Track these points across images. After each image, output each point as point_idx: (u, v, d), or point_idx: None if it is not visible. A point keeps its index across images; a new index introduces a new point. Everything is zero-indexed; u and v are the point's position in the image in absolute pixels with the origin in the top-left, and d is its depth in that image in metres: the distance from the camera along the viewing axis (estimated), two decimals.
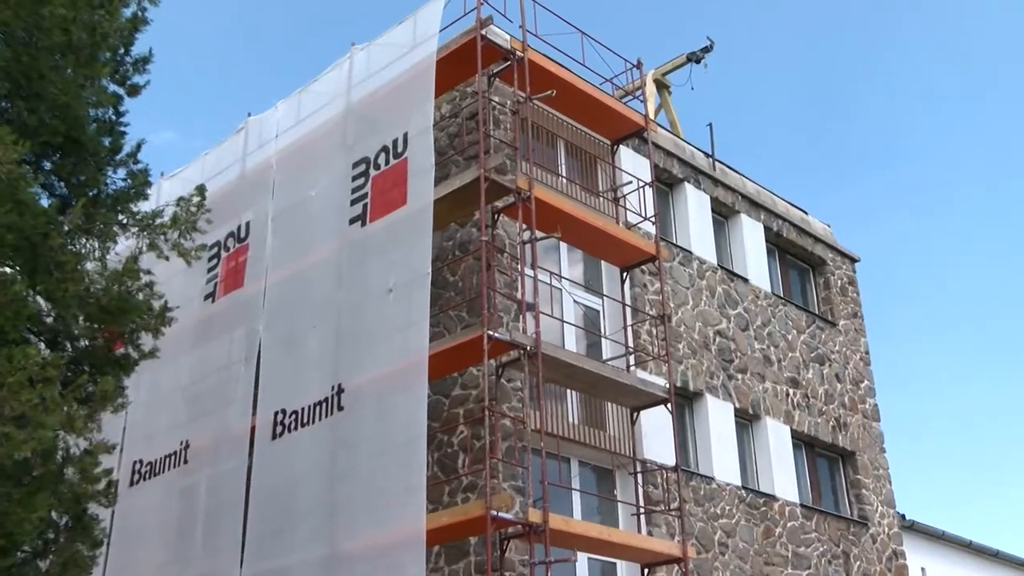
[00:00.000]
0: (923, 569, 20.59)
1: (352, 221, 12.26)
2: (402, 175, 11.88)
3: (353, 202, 12.34)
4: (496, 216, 12.92)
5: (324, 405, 11.58)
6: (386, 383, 11.13)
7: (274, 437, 11.94)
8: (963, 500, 41.52)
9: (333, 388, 11.60)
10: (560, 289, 14.13)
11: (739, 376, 16.53)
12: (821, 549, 16.72)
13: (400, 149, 12.10)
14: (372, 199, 12.11)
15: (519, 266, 12.71)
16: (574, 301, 14.28)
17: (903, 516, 19.60)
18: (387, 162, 12.16)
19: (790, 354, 17.78)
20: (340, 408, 11.44)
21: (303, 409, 11.82)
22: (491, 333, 11.51)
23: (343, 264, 12.17)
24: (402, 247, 11.56)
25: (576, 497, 13.60)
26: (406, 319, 11.22)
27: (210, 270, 13.99)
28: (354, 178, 12.40)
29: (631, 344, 14.47)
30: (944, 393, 43.38)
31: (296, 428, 11.76)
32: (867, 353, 19.68)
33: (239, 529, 11.79)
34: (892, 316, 44.02)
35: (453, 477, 12.42)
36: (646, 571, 13.13)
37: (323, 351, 11.92)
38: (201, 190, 9.54)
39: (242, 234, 13.85)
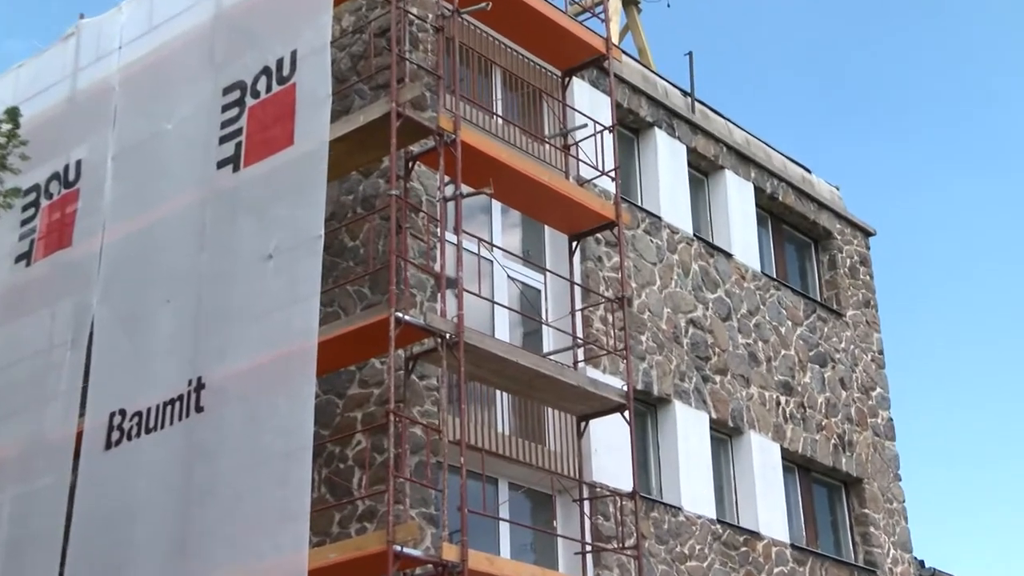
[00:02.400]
0: None
1: (221, 164, 12.20)
2: (288, 106, 11.86)
3: (222, 140, 12.27)
4: (411, 165, 12.94)
5: (178, 405, 11.55)
6: (261, 377, 11.14)
7: (108, 446, 11.88)
8: (997, 545, 42.65)
9: (190, 383, 11.58)
10: (491, 261, 14.18)
11: (717, 378, 16.80)
12: None
13: (286, 72, 12.07)
14: (248, 137, 12.07)
15: (438, 230, 12.73)
16: (508, 277, 14.36)
17: (922, 563, 20.09)
18: (269, 89, 12.12)
19: (783, 352, 18.10)
20: (199, 409, 11.42)
21: (149, 410, 11.78)
22: (400, 315, 11.56)
23: (207, 220, 12.12)
24: (287, 201, 11.55)
25: (505, 529, 13.71)
26: (290, 295, 11.22)
27: (24, 223, 13.82)
28: (224, 108, 12.33)
29: (580, 334, 14.59)
30: (982, 409, 44.50)
31: (139, 434, 11.72)
32: (881, 353, 20.07)
33: (55, 567, 11.71)
34: (916, 307, 44.95)
35: (346, 501, 12.46)
36: None
37: (178, 334, 11.88)
38: (13, 115, 9.43)
39: (71, 177, 13.69)
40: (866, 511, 18.60)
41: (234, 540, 10.68)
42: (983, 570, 42.27)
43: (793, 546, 17.01)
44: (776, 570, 16.52)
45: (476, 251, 13.04)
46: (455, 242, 12.48)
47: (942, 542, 40.46)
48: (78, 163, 13.59)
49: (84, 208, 13.29)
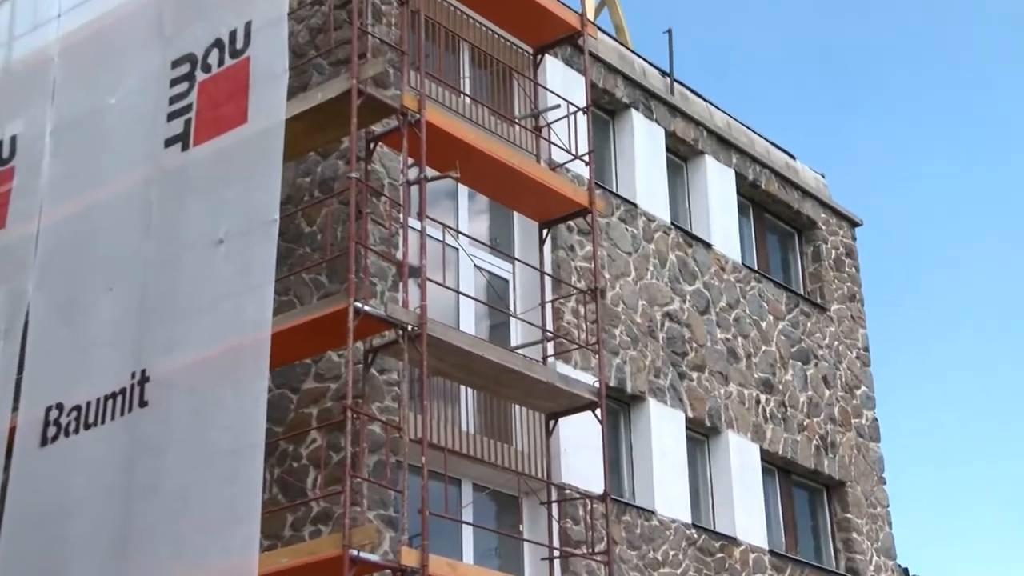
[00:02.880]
0: None
1: (169, 143, 12.10)
2: (242, 82, 11.77)
3: (171, 116, 12.16)
4: (372, 146, 12.90)
5: (120, 399, 11.47)
6: (210, 370, 11.09)
7: (44, 442, 11.79)
8: (986, 551, 42.97)
9: (134, 375, 11.50)
10: (456, 249, 14.17)
11: (694, 375, 16.82)
12: None
13: (240, 45, 11.98)
14: (199, 114, 11.97)
15: (401, 215, 12.71)
16: (475, 266, 14.34)
17: (906, 571, 20.21)
18: (221, 62, 12.03)
19: (764, 348, 18.14)
20: (143, 403, 11.35)
21: (88, 404, 11.69)
22: (360, 305, 11.52)
23: (153, 202, 12.03)
24: (239, 182, 11.48)
25: (468, 533, 13.69)
26: (242, 282, 11.16)
27: None
28: (173, 82, 12.23)
29: (550, 327, 14.59)
30: (972, 409, 44.79)
31: (77, 430, 11.63)
32: (866, 350, 20.15)
33: None
34: (903, 302, 45.20)
35: (300, 502, 12.43)
36: None
37: (121, 323, 11.79)
38: None
39: (4, 154, 13.53)
40: (848, 516, 18.68)
41: (179, 542, 10.64)
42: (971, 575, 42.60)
43: (772, 552, 17.08)
44: None
45: (441, 238, 13.02)
46: (418, 228, 12.44)
47: (928, 549, 40.78)
48: (13, 139, 13.45)
49: (19, 188, 13.14)
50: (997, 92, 46.06)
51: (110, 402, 11.47)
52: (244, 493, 10.39)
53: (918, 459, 43.64)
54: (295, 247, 13.42)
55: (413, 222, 12.77)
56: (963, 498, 43.44)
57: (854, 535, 18.65)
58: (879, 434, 19.81)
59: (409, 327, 11.88)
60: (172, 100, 12.14)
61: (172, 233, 11.78)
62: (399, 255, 12.46)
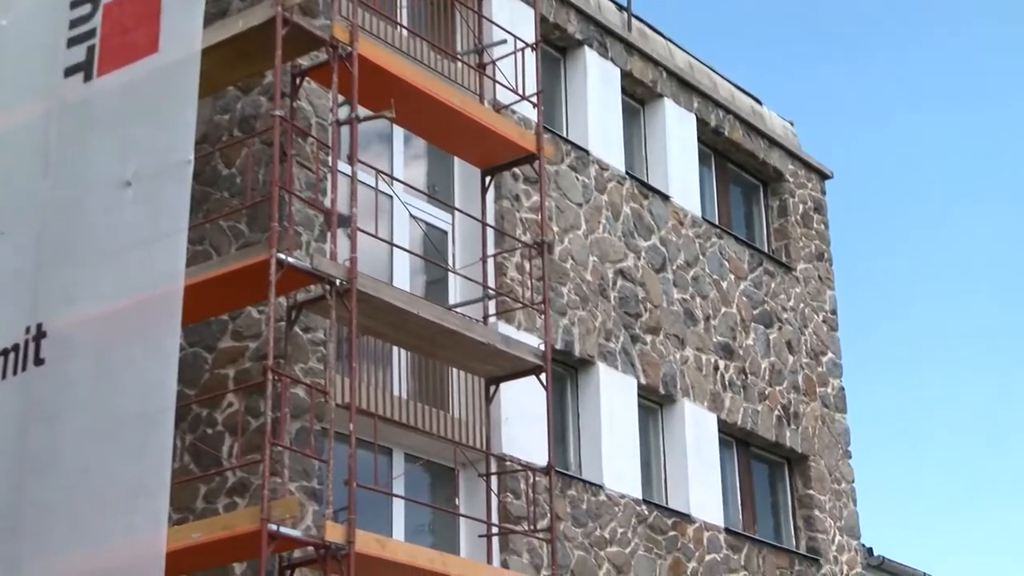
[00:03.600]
0: None
1: (69, 72, 11.87)
2: (152, 6, 11.56)
3: (71, 42, 11.93)
4: (298, 81, 12.77)
5: (12, 356, 11.30)
6: (115, 326, 10.96)
7: None
8: (955, 532, 43.64)
9: (28, 330, 11.32)
10: (391, 197, 14.10)
11: (648, 338, 16.84)
12: None
13: None
14: (103, 40, 11.75)
15: (329, 159, 12.60)
16: (410, 216, 14.29)
17: (870, 551, 20.46)
18: None
19: (724, 309, 18.19)
20: (38, 361, 11.18)
21: None
22: (283, 257, 11.45)
23: (52, 139, 11.82)
24: (149, 119, 11.32)
25: (399, 507, 13.70)
26: (152, 229, 11.02)
27: None
28: (73, 4, 11.98)
29: (492, 284, 14.56)
30: (946, 379, 45.39)
31: None
32: (834, 313, 20.28)
33: None
34: (874, 261, 45.57)
35: (214, 472, 12.40)
36: None
37: (14, 273, 11.60)
38: None
39: None
40: (811, 492, 18.85)
41: (77, 517, 10.51)
42: (938, 560, 43.30)
43: (728, 531, 17.20)
44: (708, 557, 16.68)
45: (373, 185, 12.91)
46: (349, 173, 12.37)
47: (894, 528, 41.28)
48: None
49: None
50: (975, 39, 46.38)
51: (1, 359, 11.28)
52: (152, 463, 10.29)
53: (886, 432, 44.10)
54: (211, 191, 13.30)
55: (343, 166, 12.69)
56: (934, 475, 44.03)
57: (816, 512, 18.82)
58: (846, 404, 19.97)
59: (337, 281, 11.81)
60: (73, 24, 11.90)
61: (73, 173, 11.60)
62: (327, 202, 12.37)
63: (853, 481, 19.72)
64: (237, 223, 13.07)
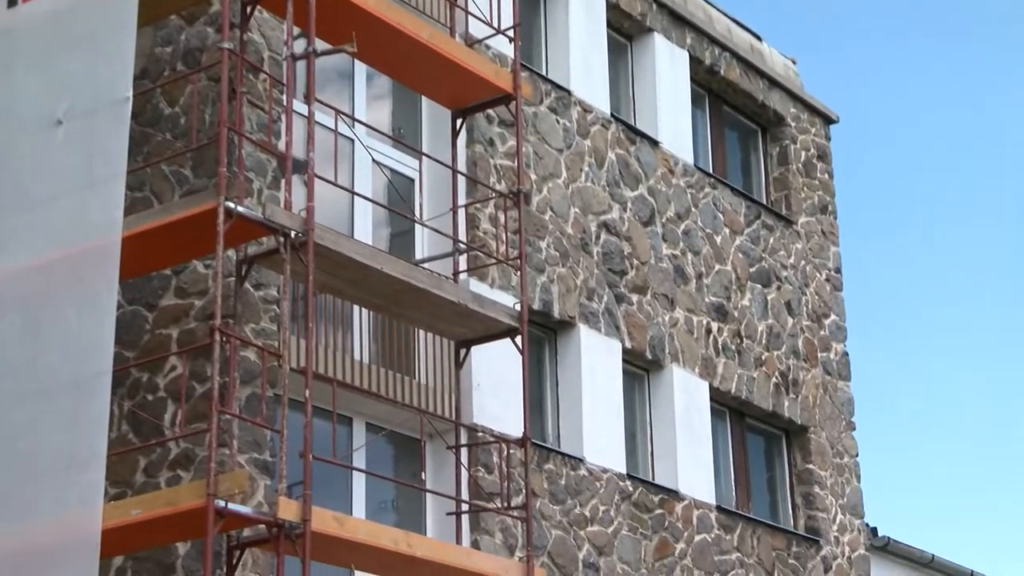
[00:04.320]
0: None
1: None
2: None
3: None
4: (249, 10, 12.68)
5: None
6: (45, 281, 10.94)
7: None
8: (968, 511, 43.89)
9: None
10: (352, 141, 14.05)
11: (634, 298, 16.85)
12: None
13: None
14: None
15: (284, 97, 12.55)
16: (374, 162, 14.24)
17: (875, 531, 20.55)
18: None
19: (717, 267, 18.21)
20: None
21: None
22: (232, 205, 11.41)
23: None
24: (83, 51, 11.26)
25: (360, 482, 13.71)
26: (86, 174, 10.99)
27: None
28: None
29: (463, 237, 14.54)
30: (960, 347, 45.51)
31: None
32: (838, 272, 20.34)
33: None
34: (883, 215, 45.62)
35: (155, 442, 12.39)
36: None
37: None
38: None
39: None
40: (810, 467, 18.94)
41: (2, 492, 10.49)
42: (948, 541, 43.58)
43: (720, 509, 17.28)
44: (697, 538, 16.77)
45: (332, 127, 12.84)
46: (305, 114, 12.28)
47: (900, 506, 41.54)
48: None
49: None
50: None
51: None
52: (87, 432, 10.29)
53: (893, 402, 44.32)
54: (152, 132, 13.25)
55: (299, 106, 12.65)
56: (945, 449, 44.25)
57: (816, 489, 18.91)
58: (849, 371, 20.04)
59: (292, 233, 11.76)
60: None
61: None
62: (281, 146, 12.32)
63: (857, 455, 19.82)
64: (181, 168, 13.00)
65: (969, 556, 36.57)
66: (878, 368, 43.49)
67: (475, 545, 14.05)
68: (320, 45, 12.49)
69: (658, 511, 16.42)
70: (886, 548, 20.96)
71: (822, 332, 19.68)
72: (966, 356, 44.59)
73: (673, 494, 16.69)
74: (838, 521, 19.16)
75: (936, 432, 44.77)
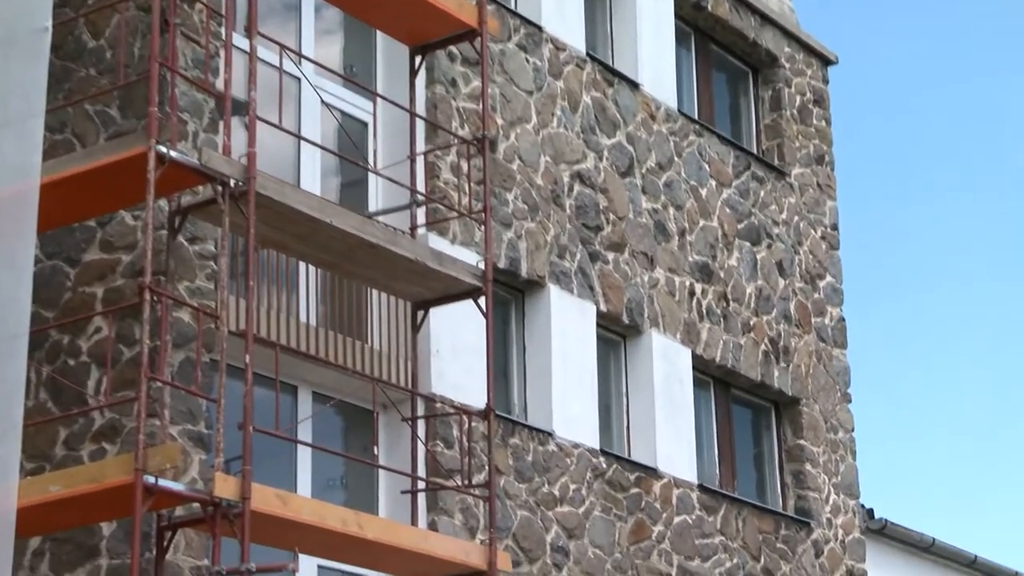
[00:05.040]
0: None
1: None
2: None
3: None
4: None
5: None
6: None
7: None
8: (972, 492, 44.12)
9: None
10: (298, 80, 14.01)
11: (610, 256, 16.85)
12: (728, 564, 17.47)
13: None
14: None
15: (223, 30, 12.48)
16: (323, 103, 14.21)
17: (871, 512, 20.66)
18: None
19: (702, 223, 18.22)
20: None
21: None
22: (164, 150, 11.35)
23: None
24: None
25: (305, 457, 13.72)
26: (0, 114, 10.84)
27: None
28: None
29: (422, 188, 14.51)
30: (966, 309, 45.63)
31: None
32: (835, 229, 20.37)
33: None
34: (885, 166, 45.66)
35: (77, 412, 12.38)
36: None
37: None
38: None
39: None
40: (802, 442, 19.04)
41: None
42: (950, 524, 43.85)
43: (702, 488, 17.36)
44: (677, 519, 16.84)
45: (277, 64, 12.76)
46: (246, 49, 12.23)
47: (898, 486, 41.76)
48: None
49: None
50: None
51: None
52: (0, 401, 10.16)
53: (893, 373, 44.50)
54: (75, 67, 13.19)
55: (239, 40, 12.58)
56: (948, 426, 44.46)
57: (808, 467, 18.99)
58: (846, 338, 20.10)
59: (231, 181, 11.72)
60: None
61: None
62: (219, 84, 12.27)
63: (853, 430, 19.90)
64: (107, 107, 12.95)
65: (973, 541, 36.77)
66: (877, 335, 43.63)
67: (432, 526, 14.07)
68: None
69: (634, 490, 16.44)
70: (883, 531, 21.08)
71: (816, 295, 19.71)
72: (975, 324, 44.74)
73: (651, 472, 16.72)
74: (831, 502, 19.23)
75: (939, 406, 44.98)
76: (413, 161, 14.32)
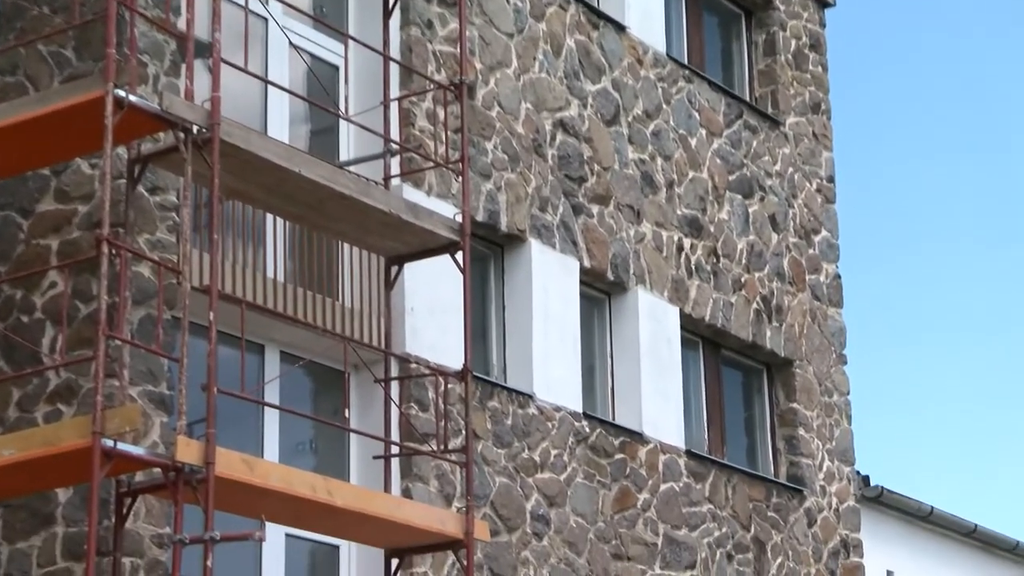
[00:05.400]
0: (890, 573, 21.93)
1: None
2: None
3: None
4: None
5: None
6: None
7: None
8: (972, 458, 44.30)
9: None
10: (265, 20, 13.98)
11: (594, 209, 16.84)
12: (717, 533, 17.51)
13: None
14: None
15: None
16: (291, 46, 14.15)
17: (866, 479, 20.72)
18: None
19: (692, 174, 18.20)
20: None
21: None
22: (122, 94, 11.25)
23: None
24: None
25: (273, 420, 13.73)
26: None
27: None
28: None
29: (396, 136, 14.47)
30: (969, 266, 45.69)
31: None
32: (831, 181, 20.39)
33: None
34: (883, 115, 45.62)
35: (31, 371, 12.34)
36: (395, 563, 13.38)
37: None
38: None
39: None
40: (795, 406, 19.10)
41: None
42: (949, 492, 44.03)
43: (690, 454, 17.41)
44: (663, 487, 16.88)
45: (242, 2, 12.66)
46: None
47: (895, 452, 41.92)
48: None
49: None
50: None
51: None
52: None
53: (890, 332, 44.58)
54: (27, 5, 13.08)
55: None
56: (949, 388, 44.58)
57: (801, 432, 19.04)
58: (842, 296, 20.12)
59: (194, 128, 11.64)
60: None
61: None
62: (181, 24, 12.16)
63: (848, 393, 19.93)
64: (62, 48, 12.87)
65: (973, 510, 37.01)
66: (875, 294, 43.71)
67: (406, 493, 14.08)
68: None
69: (618, 456, 16.46)
70: (879, 499, 21.15)
71: (811, 251, 19.71)
72: (979, 283, 44.80)
73: (636, 436, 16.74)
74: (825, 468, 19.28)
75: (939, 369, 45.11)
76: (387, 108, 14.29)
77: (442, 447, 13.92)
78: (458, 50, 14.63)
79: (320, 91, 14.44)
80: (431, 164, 14.61)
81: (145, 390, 12.27)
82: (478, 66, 15.80)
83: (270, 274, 13.72)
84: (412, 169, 14.68)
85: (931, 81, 46.70)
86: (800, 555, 18.63)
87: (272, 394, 13.67)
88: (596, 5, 17.61)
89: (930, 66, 46.67)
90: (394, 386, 14.06)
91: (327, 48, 14.91)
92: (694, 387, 18.25)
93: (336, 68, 14.91)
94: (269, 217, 13.66)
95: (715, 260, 18.25)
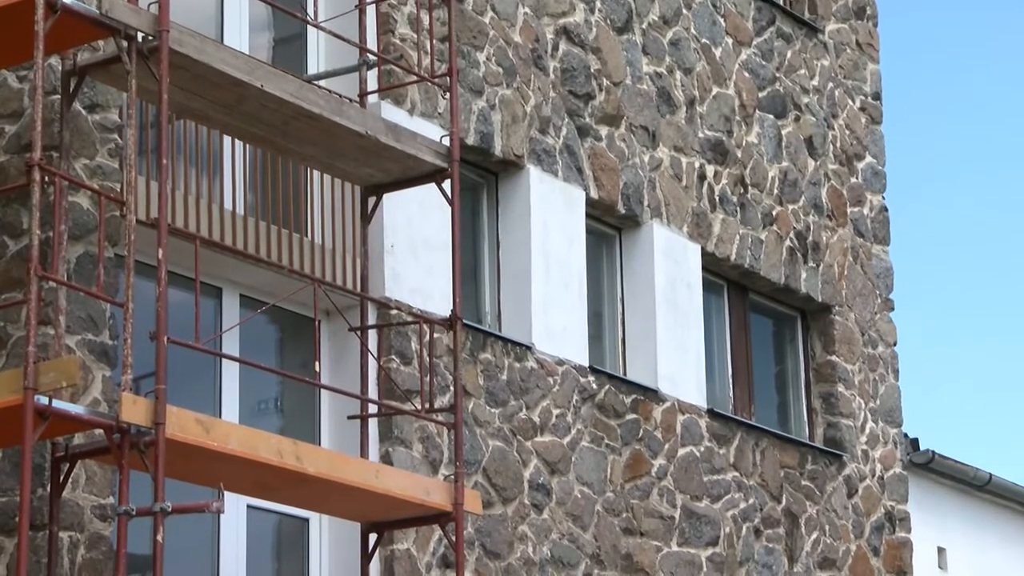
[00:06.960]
0: (941, 551, 22.02)
1: None
2: None
3: None
4: None
5: None
6: None
7: None
8: None
9: None
10: None
11: (603, 131, 16.86)
12: (743, 505, 17.58)
13: None
14: None
15: None
16: None
17: (915, 443, 20.79)
18: None
19: (716, 90, 18.22)
20: None
21: None
22: None
23: None
24: None
25: (232, 374, 13.79)
26: None
27: None
28: None
29: (373, 46, 14.48)
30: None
31: None
32: (877, 98, 20.41)
33: None
34: (938, 21, 45.48)
35: None
36: (372, 538, 13.45)
37: None
38: None
39: None
40: (833, 359, 19.14)
41: None
42: (1008, 458, 44.19)
43: (712, 413, 17.45)
44: (682, 451, 16.94)
45: None
46: None
47: (947, 413, 42.02)
48: None
49: None
50: None
51: None
52: None
53: (944, 275, 44.60)
54: None
55: None
56: (1008, 341, 44.66)
57: (840, 388, 19.10)
58: (889, 233, 20.15)
59: (139, 35, 11.64)
60: None
61: None
62: None
63: (895, 344, 19.97)
64: None
65: None
66: (925, 230, 43.73)
67: (387, 459, 14.11)
68: None
69: (630, 416, 16.51)
70: (929, 466, 21.23)
71: (854, 179, 19.72)
72: None
73: (651, 394, 16.79)
74: (868, 431, 19.34)
75: (1000, 318, 45.18)
76: (362, 12, 14.31)
77: (427, 406, 13.92)
78: None
79: None
80: (414, 78, 14.61)
81: (84, 339, 12.25)
82: None
83: (228, 206, 13.70)
84: (392, 84, 14.68)
85: None
86: (838, 530, 18.70)
87: (231, 345, 13.69)
88: None
89: None
90: (372, 335, 14.11)
91: None
92: (717, 337, 18.27)
93: None
94: (227, 140, 13.66)
95: (742, 190, 18.25)
